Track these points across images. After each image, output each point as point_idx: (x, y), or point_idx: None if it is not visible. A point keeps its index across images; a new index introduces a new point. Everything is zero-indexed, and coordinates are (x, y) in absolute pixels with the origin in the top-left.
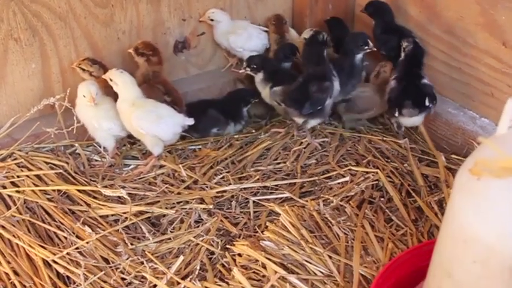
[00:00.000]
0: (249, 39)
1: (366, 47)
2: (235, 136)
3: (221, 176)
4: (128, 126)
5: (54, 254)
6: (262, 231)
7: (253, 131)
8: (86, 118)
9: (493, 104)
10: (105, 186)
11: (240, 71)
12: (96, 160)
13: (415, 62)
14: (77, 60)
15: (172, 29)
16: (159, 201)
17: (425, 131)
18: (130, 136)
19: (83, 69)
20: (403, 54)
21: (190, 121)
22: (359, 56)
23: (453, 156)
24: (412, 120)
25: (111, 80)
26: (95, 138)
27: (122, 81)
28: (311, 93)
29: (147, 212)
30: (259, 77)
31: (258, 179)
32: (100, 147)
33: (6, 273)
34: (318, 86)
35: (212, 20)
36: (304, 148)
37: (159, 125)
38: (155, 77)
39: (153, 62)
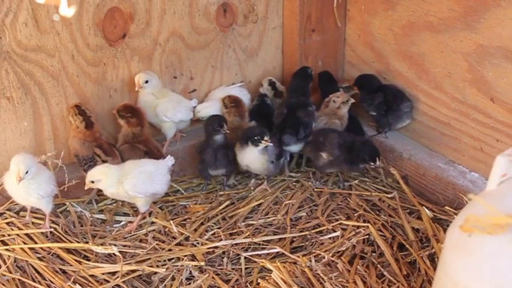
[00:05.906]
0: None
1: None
2: (226, 192)
3: (212, 232)
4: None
5: None
6: None
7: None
8: (22, 192)
9: (483, 159)
10: (96, 244)
11: (267, 145)
12: (88, 217)
13: None
14: (71, 104)
15: None
16: (150, 259)
17: (406, 188)
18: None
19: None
20: None
21: (172, 160)
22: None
23: (446, 207)
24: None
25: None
26: (37, 206)
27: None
28: (301, 119)
29: (138, 270)
30: None
31: (249, 234)
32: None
33: None
34: (304, 112)
35: None
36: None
37: (153, 181)
38: (135, 137)
39: (133, 124)
